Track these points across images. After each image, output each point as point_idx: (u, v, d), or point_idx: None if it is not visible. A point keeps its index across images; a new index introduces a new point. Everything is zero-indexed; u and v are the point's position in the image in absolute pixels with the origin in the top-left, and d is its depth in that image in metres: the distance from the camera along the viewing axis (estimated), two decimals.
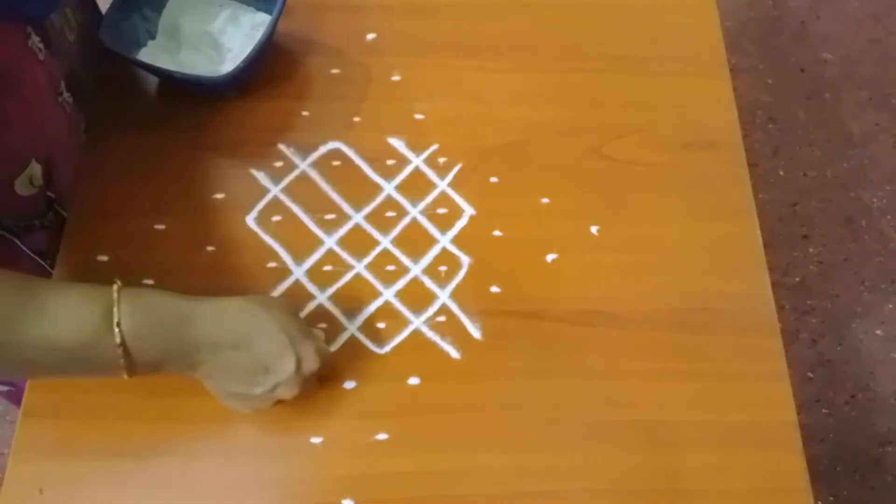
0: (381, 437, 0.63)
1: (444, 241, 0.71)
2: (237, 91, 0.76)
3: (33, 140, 0.65)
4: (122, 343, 0.52)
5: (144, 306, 0.54)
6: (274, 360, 0.57)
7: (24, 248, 0.69)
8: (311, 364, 0.58)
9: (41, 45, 0.66)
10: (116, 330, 0.52)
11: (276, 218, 0.71)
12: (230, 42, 0.77)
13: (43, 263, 0.72)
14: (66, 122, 0.72)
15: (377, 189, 0.73)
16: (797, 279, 1.55)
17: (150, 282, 0.68)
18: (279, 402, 0.59)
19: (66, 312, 0.52)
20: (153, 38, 0.75)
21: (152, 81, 0.78)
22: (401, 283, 0.69)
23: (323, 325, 0.66)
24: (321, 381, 0.62)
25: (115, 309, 0.52)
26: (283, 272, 0.69)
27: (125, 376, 0.54)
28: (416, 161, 0.75)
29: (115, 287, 0.53)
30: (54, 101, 0.70)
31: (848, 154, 1.68)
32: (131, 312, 0.53)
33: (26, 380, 0.64)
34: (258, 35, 0.73)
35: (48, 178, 0.68)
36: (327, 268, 0.69)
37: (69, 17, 0.73)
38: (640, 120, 0.78)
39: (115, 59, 0.72)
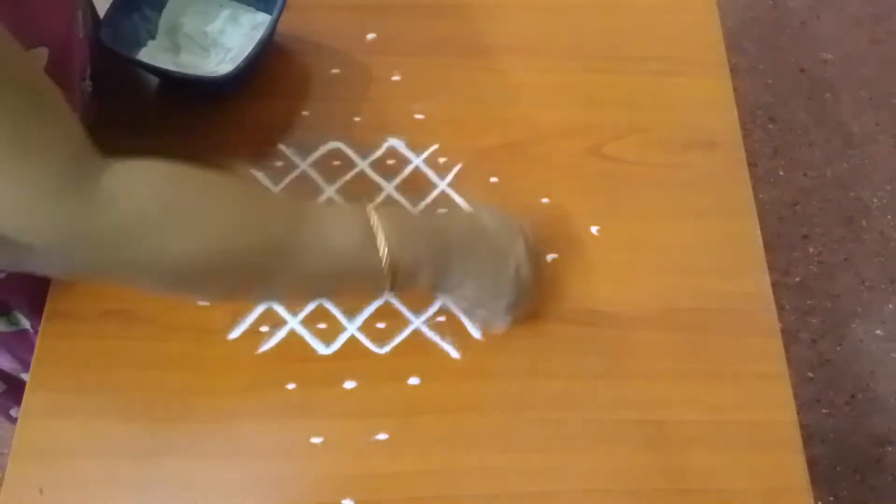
0: (381, 437, 0.63)
1: None
2: (237, 91, 0.76)
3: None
4: (388, 241, 0.53)
5: (398, 218, 0.57)
6: (508, 242, 0.61)
7: None
8: (530, 237, 0.63)
9: (82, 22, 0.64)
10: (379, 236, 0.53)
11: None
12: (230, 42, 0.76)
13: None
14: (83, 110, 0.70)
15: (377, 189, 0.73)
16: (797, 279, 1.55)
17: None
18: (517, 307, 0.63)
19: (335, 225, 0.53)
20: (153, 37, 0.75)
21: (152, 81, 0.78)
22: None
23: (322, 326, 0.67)
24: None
25: (372, 219, 0.53)
26: None
27: (387, 286, 0.54)
28: (416, 161, 0.75)
29: (369, 207, 0.55)
30: (79, 82, 0.68)
31: (848, 154, 1.68)
32: (387, 221, 0.54)
33: (301, 300, 0.65)
34: (258, 35, 0.72)
35: None
36: None
37: (85, 11, 0.71)
38: (640, 120, 0.78)
39: (114, 60, 0.72)
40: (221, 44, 0.77)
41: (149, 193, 0.45)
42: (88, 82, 0.71)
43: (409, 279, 0.56)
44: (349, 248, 0.52)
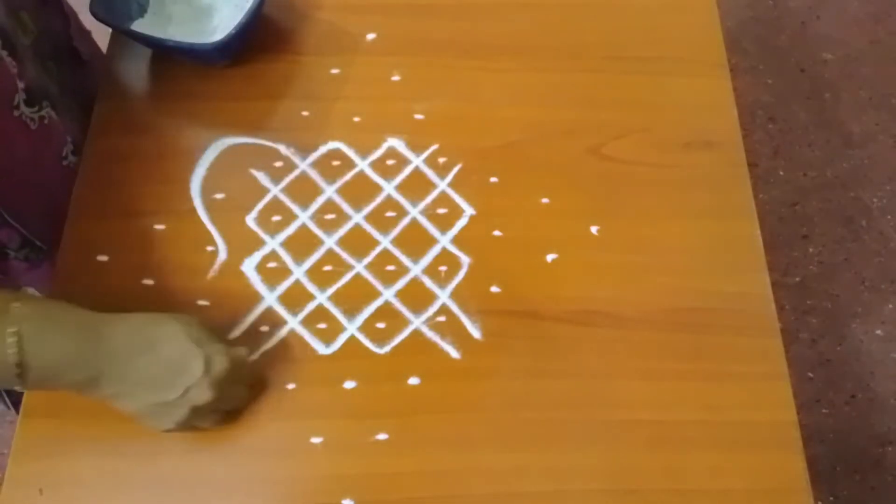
0: (381, 437, 0.63)
1: (444, 241, 0.71)
2: (229, 61, 0.77)
3: None
4: (18, 334, 0.51)
5: (45, 310, 0.54)
6: (182, 363, 0.56)
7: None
8: (221, 364, 0.57)
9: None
10: (11, 329, 0.51)
11: (276, 218, 0.71)
12: (220, 15, 0.78)
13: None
14: (27, 142, 0.66)
15: (377, 189, 0.73)
16: (797, 279, 1.55)
17: (150, 282, 0.68)
18: (201, 419, 0.59)
19: None
20: (144, 12, 0.77)
21: (151, 80, 0.78)
22: (401, 283, 0.69)
23: (322, 326, 0.67)
24: (253, 387, 0.63)
25: (13, 304, 0.52)
26: (284, 272, 0.69)
27: (18, 381, 0.52)
28: (416, 161, 0.75)
29: (15, 295, 0.53)
30: (7, 114, 0.64)
31: (848, 154, 1.68)
32: (30, 314, 0.52)
33: None
34: (248, 5, 0.74)
35: (7, 207, 0.64)
36: (327, 268, 0.69)
37: (25, 21, 0.69)
38: (640, 120, 0.78)
39: (91, 68, 0.73)
40: (211, 16, 0.78)
41: None
42: (28, 109, 0.66)
43: (48, 378, 0.54)
44: None
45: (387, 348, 0.66)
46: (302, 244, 0.70)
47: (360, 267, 0.69)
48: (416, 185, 0.73)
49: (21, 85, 0.65)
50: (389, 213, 0.72)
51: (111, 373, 0.55)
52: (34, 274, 0.72)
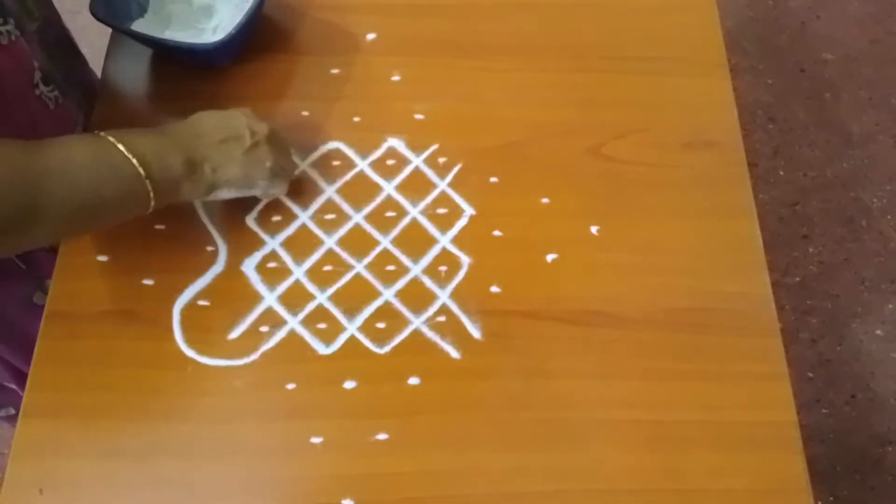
0: (381, 437, 0.63)
1: (444, 241, 0.71)
2: (230, 61, 0.77)
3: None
4: (130, 150, 0.57)
5: (120, 130, 0.59)
6: (228, 121, 0.65)
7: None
8: (257, 124, 0.66)
9: (7, 27, 0.63)
10: (119, 145, 0.57)
11: (276, 218, 0.71)
12: (220, 15, 0.78)
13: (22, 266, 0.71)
14: (51, 120, 0.70)
15: (377, 189, 0.73)
16: (797, 279, 1.55)
17: (150, 282, 0.68)
18: (275, 182, 0.67)
19: (76, 147, 0.57)
20: (144, 12, 0.77)
21: (151, 80, 0.78)
22: (401, 283, 0.69)
23: (322, 326, 0.67)
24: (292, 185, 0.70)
25: (101, 136, 0.57)
26: (284, 272, 0.69)
27: (146, 199, 0.58)
28: (416, 161, 0.75)
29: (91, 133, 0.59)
30: (29, 92, 0.67)
31: (848, 154, 1.68)
32: (117, 134, 0.58)
33: (77, 228, 0.64)
34: (248, 6, 0.74)
35: None
36: (327, 268, 0.69)
37: (30, 8, 0.71)
38: (640, 120, 0.78)
39: (83, 61, 0.73)
40: (211, 16, 0.79)
41: None
42: (46, 88, 0.69)
43: (167, 180, 0.60)
44: (93, 161, 0.56)
45: (387, 348, 0.66)
46: (302, 244, 0.70)
47: (360, 267, 0.69)
48: (416, 185, 0.73)
49: (36, 65, 0.68)
50: (389, 213, 0.72)
51: (200, 147, 0.62)
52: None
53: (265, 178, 0.66)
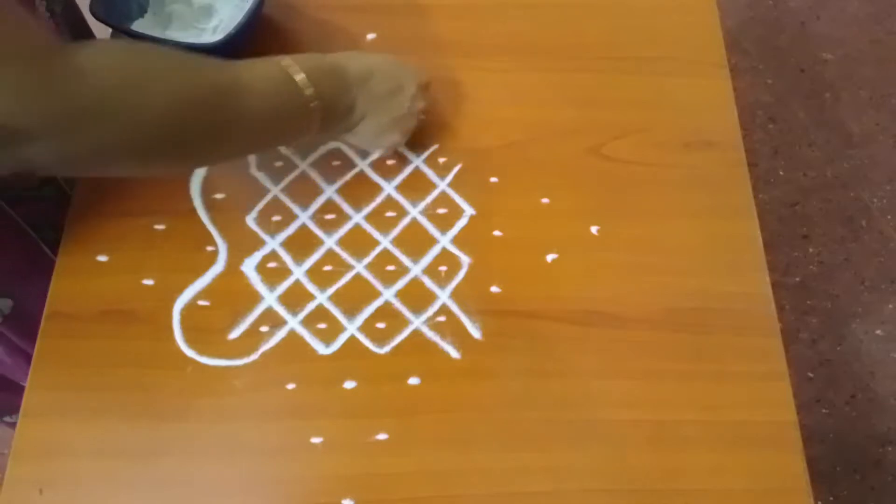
0: (381, 437, 0.63)
1: (444, 241, 0.71)
2: (231, 58, 0.77)
3: None
4: (306, 75, 0.60)
5: (305, 58, 0.63)
6: (400, 74, 0.69)
7: (17, 218, 0.69)
8: (423, 75, 0.71)
9: (41, 6, 0.64)
10: (300, 75, 0.60)
11: (276, 218, 0.71)
12: (220, 14, 0.78)
13: (34, 236, 0.71)
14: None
15: (377, 189, 0.73)
16: (797, 279, 1.55)
17: (150, 282, 0.68)
18: (410, 124, 0.71)
19: (261, 68, 0.60)
20: (144, 12, 0.77)
21: None
22: (401, 283, 0.69)
23: (322, 326, 0.67)
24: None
25: (287, 62, 0.61)
26: (284, 272, 0.69)
27: (309, 121, 0.62)
28: (416, 161, 0.75)
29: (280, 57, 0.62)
30: (30, 4, 0.67)
31: (848, 154, 1.68)
32: (301, 63, 0.61)
33: (250, 148, 0.67)
34: (248, 6, 0.74)
35: None
36: (327, 268, 0.69)
37: None
38: (640, 120, 0.78)
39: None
40: (211, 16, 0.79)
41: (116, 63, 0.51)
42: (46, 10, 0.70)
43: (333, 109, 0.63)
44: (275, 86, 0.60)
45: (387, 348, 0.66)
46: (302, 244, 0.70)
47: (360, 267, 0.69)
48: (416, 185, 0.73)
49: None
50: (389, 213, 0.72)
51: (360, 93, 0.66)
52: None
53: (395, 142, 0.71)
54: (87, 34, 0.82)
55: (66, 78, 0.47)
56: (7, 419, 0.91)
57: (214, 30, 0.78)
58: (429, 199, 0.73)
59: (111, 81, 0.50)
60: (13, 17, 0.46)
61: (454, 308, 0.68)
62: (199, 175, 0.73)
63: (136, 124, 0.51)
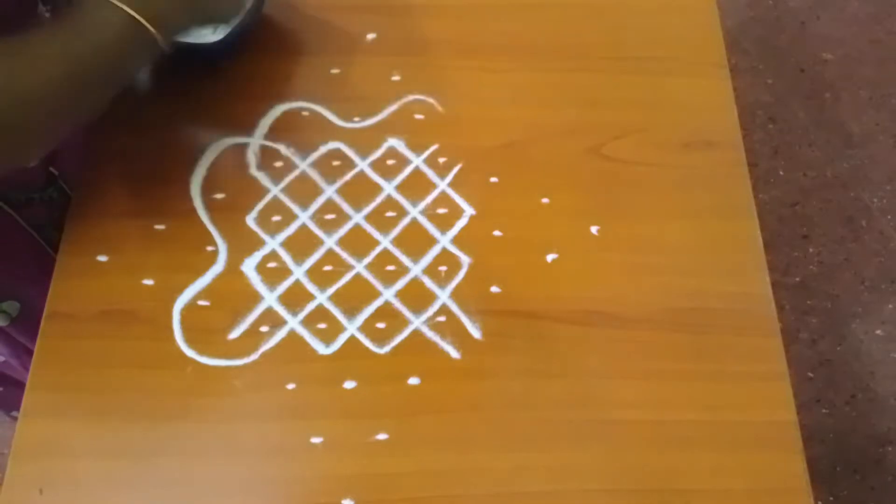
0: (381, 437, 0.63)
1: (444, 241, 0.71)
2: (230, 60, 0.77)
3: None
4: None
5: None
6: None
7: (21, 222, 0.69)
8: None
9: None
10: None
11: (276, 218, 0.71)
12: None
13: (39, 239, 0.71)
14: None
15: (377, 189, 0.73)
16: (797, 279, 1.55)
17: (150, 282, 0.68)
18: None
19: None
20: None
21: (150, 80, 0.78)
22: (401, 283, 0.69)
23: (322, 326, 0.67)
24: None
25: None
26: (284, 272, 0.69)
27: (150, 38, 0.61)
28: (416, 161, 0.75)
29: None
30: (32, 9, 0.67)
31: (848, 154, 1.68)
32: None
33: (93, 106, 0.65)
34: (248, 4, 0.74)
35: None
36: (327, 268, 0.69)
37: None
38: (640, 120, 0.78)
39: None
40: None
41: None
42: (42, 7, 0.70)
43: (169, 19, 0.62)
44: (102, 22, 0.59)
45: (387, 348, 0.66)
46: (302, 244, 0.70)
47: (360, 267, 0.69)
48: (416, 185, 0.73)
49: None
50: (389, 213, 0.72)
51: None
52: None
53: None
54: None
55: None
56: (14, 413, 0.91)
57: (214, 30, 0.77)
58: (429, 199, 0.73)
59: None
60: None
61: (454, 308, 0.68)
62: (199, 175, 0.73)
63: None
